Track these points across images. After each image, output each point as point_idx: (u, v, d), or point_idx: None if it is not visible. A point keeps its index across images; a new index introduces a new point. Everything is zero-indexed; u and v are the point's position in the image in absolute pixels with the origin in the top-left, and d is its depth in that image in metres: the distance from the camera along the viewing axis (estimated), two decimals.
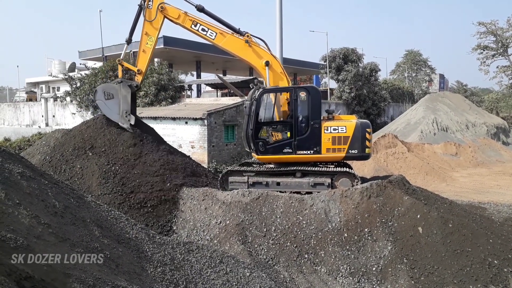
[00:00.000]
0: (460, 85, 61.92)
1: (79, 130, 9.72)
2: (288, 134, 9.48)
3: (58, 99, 30.23)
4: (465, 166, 20.51)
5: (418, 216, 7.22)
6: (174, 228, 8.17)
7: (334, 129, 9.37)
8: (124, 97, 9.73)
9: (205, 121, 17.68)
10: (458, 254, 6.59)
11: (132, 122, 9.71)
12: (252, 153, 9.96)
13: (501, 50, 44.08)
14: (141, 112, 21.41)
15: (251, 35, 10.17)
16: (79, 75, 28.99)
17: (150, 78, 23.15)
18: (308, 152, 9.43)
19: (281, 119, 10.01)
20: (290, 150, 9.42)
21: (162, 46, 27.04)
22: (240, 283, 5.47)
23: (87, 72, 28.21)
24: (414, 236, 6.98)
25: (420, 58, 65.44)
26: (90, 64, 32.11)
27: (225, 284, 5.30)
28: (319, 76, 40.60)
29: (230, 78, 30.34)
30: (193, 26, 10.00)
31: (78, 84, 27.99)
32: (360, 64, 33.27)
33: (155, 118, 19.47)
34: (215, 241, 7.44)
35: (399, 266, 6.62)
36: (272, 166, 10.24)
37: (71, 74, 30.22)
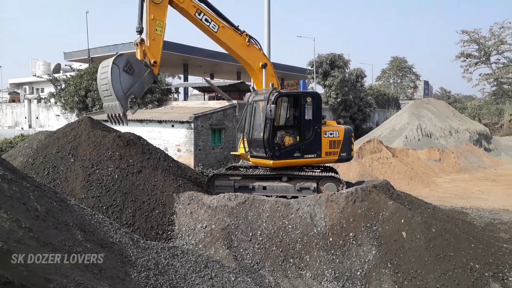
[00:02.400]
0: (444, 92, 63.09)
1: (63, 132, 9.57)
2: (298, 138, 9.69)
3: (42, 101, 29.75)
4: (448, 171, 20.85)
5: (402, 221, 7.30)
6: (161, 232, 8.09)
7: (331, 134, 9.93)
8: (142, 82, 8.47)
9: (192, 124, 17.61)
10: (441, 258, 6.69)
11: (132, 113, 8.75)
12: (253, 159, 9.93)
13: (484, 58, 45.16)
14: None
15: (249, 35, 10.14)
16: (64, 77, 28.59)
17: None
18: (312, 155, 9.75)
19: (291, 123, 10.16)
20: (299, 154, 9.64)
21: None
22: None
23: (72, 73, 27.84)
24: (398, 240, 7.06)
25: (405, 65, 66.58)
26: (76, 65, 31.70)
27: None
28: (306, 81, 40.86)
29: (217, 81, 30.36)
30: (196, 14, 9.38)
31: (63, 86, 27.62)
32: (346, 70, 33.61)
33: (141, 121, 19.31)
34: (200, 246, 7.39)
35: (383, 271, 6.68)
36: (259, 170, 10.26)
37: (56, 75, 29.79)
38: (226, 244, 7.33)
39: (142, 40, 8.52)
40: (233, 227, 7.66)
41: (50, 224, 4.29)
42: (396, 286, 6.39)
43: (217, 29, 9.62)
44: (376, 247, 7.03)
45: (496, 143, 30.88)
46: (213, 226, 7.71)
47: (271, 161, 9.38)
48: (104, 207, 8.13)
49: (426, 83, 73.60)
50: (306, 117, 9.73)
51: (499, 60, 45.10)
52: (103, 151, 9.21)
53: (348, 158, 10.36)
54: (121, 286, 4.10)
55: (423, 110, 29.47)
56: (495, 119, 42.77)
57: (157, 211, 8.28)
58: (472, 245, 7.09)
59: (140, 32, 8.58)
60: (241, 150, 10.38)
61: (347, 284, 6.63)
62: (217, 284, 5.43)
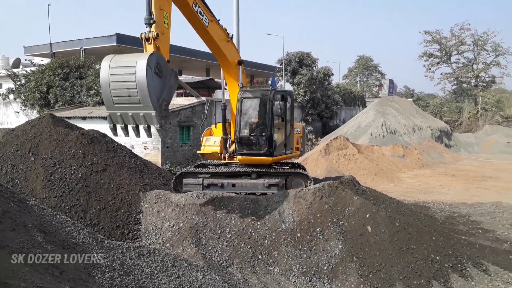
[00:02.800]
0: (408, 90, 65.16)
1: (23, 129, 9.16)
2: (284, 134, 9.95)
3: (0, 97, 28.37)
4: (411, 167, 21.57)
5: (367, 216, 7.49)
6: (126, 232, 7.91)
7: (297, 131, 10.42)
8: (170, 87, 7.20)
9: None
10: (404, 251, 6.91)
11: (169, 120, 7.42)
12: (243, 157, 9.66)
13: (445, 58, 46.90)
14: (91, 111, 20.60)
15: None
16: (24, 72, 27.39)
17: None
18: (290, 151, 10.12)
19: (280, 120, 10.25)
20: (284, 150, 9.92)
21: (115, 44, 26.18)
22: (192, 286, 5.39)
23: (33, 68, 26.72)
24: (364, 235, 7.23)
25: (371, 64, 68.21)
26: (37, 60, 30.43)
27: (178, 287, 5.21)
28: (275, 79, 41.10)
29: (186, 78, 29.98)
30: (193, 6, 8.72)
31: (23, 81, 26.46)
32: (314, 68, 34.07)
33: (106, 118, 18.78)
34: (168, 245, 7.29)
35: (349, 265, 6.82)
36: (228, 167, 10.22)
37: (15, 70, 28.49)
38: (194, 242, 7.27)
39: (158, 34, 7.14)
40: (201, 225, 7.60)
41: (7, 226, 4.10)
42: (362, 279, 6.55)
43: (208, 23, 9.18)
44: (342, 242, 7.17)
45: (456, 139, 32.23)
46: (181, 225, 7.62)
47: (271, 158, 9.44)
48: (67, 207, 7.86)
49: (391, 81, 75.83)
50: (288, 115, 10.06)
51: (459, 60, 47.00)
52: (65, 149, 8.90)
53: (303, 153, 11.27)
54: None
55: (387, 108, 30.31)
56: (455, 117, 44.61)
57: (122, 211, 8.10)
58: (433, 238, 7.36)
59: (150, 24, 7.16)
60: (210, 149, 10.23)
61: (314, 278, 6.74)
62: (185, 283, 5.38)
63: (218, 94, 25.28)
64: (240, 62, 10.27)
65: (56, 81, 23.99)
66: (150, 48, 7.10)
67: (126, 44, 26.74)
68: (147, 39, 7.04)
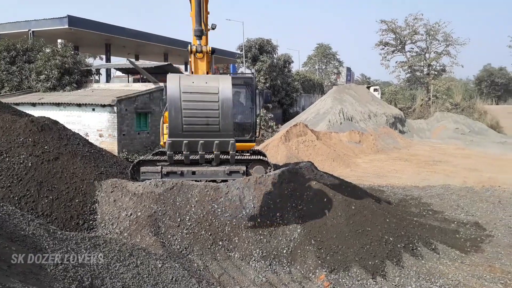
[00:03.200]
0: (364, 78, 67.03)
1: None
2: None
3: None
4: (367, 152, 22.32)
5: (325, 200, 7.68)
6: (81, 222, 7.64)
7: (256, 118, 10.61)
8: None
9: (115, 108, 16.74)
10: (360, 233, 7.17)
11: None
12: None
13: (400, 47, 48.47)
14: (42, 97, 19.57)
15: None
16: None
17: (52, 60, 21.15)
18: (256, 136, 10.45)
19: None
20: (255, 136, 10.32)
21: (67, 27, 24.87)
22: (151, 275, 5.31)
23: None
24: (321, 218, 7.42)
25: (329, 52, 69.24)
26: None
27: (135, 277, 5.10)
28: (236, 65, 40.84)
29: (143, 63, 29.09)
30: None
31: None
32: (274, 55, 34.17)
33: (58, 104, 17.93)
34: (126, 234, 7.11)
35: (307, 248, 6.99)
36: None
37: None
38: (153, 231, 7.14)
39: (214, 50, 6.35)
40: (160, 214, 7.47)
41: None
42: (319, 261, 6.74)
43: None
44: (301, 226, 7.32)
45: (409, 125, 33.65)
46: (139, 214, 7.46)
47: (253, 144, 9.92)
48: (16, 198, 7.45)
49: (349, 69, 77.54)
50: (257, 101, 10.30)
51: (413, 49, 48.69)
52: (13, 137, 8.39)
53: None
54: (34, 281, 3.80)
55: (345, 95, 31.03)
56: (409, 104, 46.47)
57: (77, 200, 7.79)
58: (387, 220, 7.69)
59: (201, 37, 6.22)
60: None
61: (274, 262, 6.85)
62: (143, 271, 5.28)
63: None
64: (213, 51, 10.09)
65: (1, 65, 22.51)
66: (202, 64, 6.40)
67: (79, 27, 25.48)
68: (199, 52, 6.28)
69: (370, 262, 6.71)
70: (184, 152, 5.87)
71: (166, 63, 28.62)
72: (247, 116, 10.12)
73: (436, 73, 47.68)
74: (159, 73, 25.67)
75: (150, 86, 19.35)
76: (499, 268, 7.08)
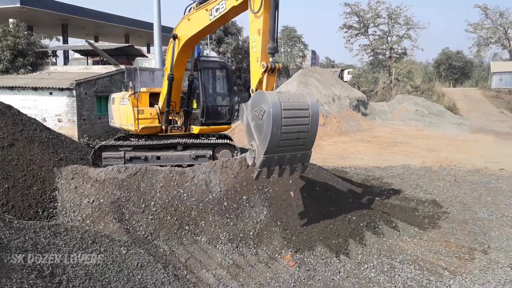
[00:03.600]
0: (329, 61, 67.75)
1: None
2: None
3: None
4: (331, 135, 22.73)
5: (290, 182, 7.78)
6: (41, 211, 7.36)
7: None
8: None
9: (74, 91, 16.05)
10: (324, 213, 7.34)
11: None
12: (205, 127, 9.90)
13: (363, 30, 49.21)
14: None
15: None
16: None
17: (3, 41, 19.90)
18: (233, 120, 10.80)
19: None
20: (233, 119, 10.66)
21: (19, 5, 23.39)
22: (115, 261, 5.22)
23: None
24: (287, 200, 7.53)
25: (295, 35, 69.28)
26: None
27: (98, 264, 5.00)
28: (200, 47, 40.11)
29: (102, 44, 27.97)
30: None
31: None
32: (240, 37, 33.78)
33: (11, 88, 16.98)
34: (88, 221, 6.93)
35: (273, 229, 7.09)
36: (152, 140, 9.89)
37: None
38: (117, 217, 7.00)
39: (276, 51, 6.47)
40: (124, 200, 7.32)
41: None
42: (285, 242, 6.86)
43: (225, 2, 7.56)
44: (267, 208, 7.40)
45: (372, 108, 34.49)
46: (102, 200, 7.27)
47: (230, 126, 10.32)
48: None
49: (313, 52, 78.07)
50: None
51: (376, 32, 49.57)
52: None
53: None
54: None
55: (310, 79, 31.27)
56: (371, 87, 47.51)
57: (35, 188, 7.48)
58: (350, 200, 7.91)
59: (273, 54, 6.35)
60: (149, 123, 9.69)
61: (241, 244, 6.91)
62: (107, 258, 5.18)
63: (138, 62, 24.03)
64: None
65: None
66: (273, 80, 6.46)
67: (32, 6, 24.04)
68: (272, 70, 6.29)
69: (334, 241, 6.90)
70: (270, 168, 6.13)
71: (127, 44, 27.68)
72: (225, 100, 10.33)
73: (397, 56, 48.89)
74: (120, 55, 24.82)
75: (111, 68, 18.66)
76: (454, 242, 7.49)
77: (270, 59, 6.28)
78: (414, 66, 48.31)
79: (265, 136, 5.73)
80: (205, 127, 9.94)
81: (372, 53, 50.40)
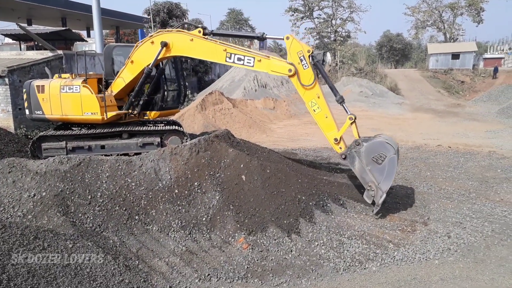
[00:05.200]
0: (277, 45, 67.99)
1: None
2: None
3: None
4: (281, 118, 23.05)
5: (242, 166, 7.81)
6: None
7: None
8: None
9: (7, 79, 14.91)
10: (275, 195, 7.47)
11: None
12: (163, 111, 10.13)
13: (308, 13, 49.82)
14: None
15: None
16: None
17: None
18: (181, 105, 11.15)
19: None
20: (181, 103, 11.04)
21: None
22: (62, 256, 5.00)
23: None
24: (239, 184, 7.56)
25: (241, 17, 68.71)
26: None
27: (43, 260, 4.76)
28: (144, 30, 38.61)
29: (36, 28, 26.12)
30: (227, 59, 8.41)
31: None
32: (185, 20, 32.88)
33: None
34: (30, 217, 6.54)
35: (226, 213, 7.12)
36: (95, 129, 9.46)
37: None
38: (62, 211, 6.67)
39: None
40: (68, 192, 6.98)
41: None
42: (238, 225, 6.92)
43: (253, 61, 8.45)
44: (219, 193, 7.40)
45: None
46: (44, 194, 6.89)
47: (178, 110, 10.75)
48: None
49: None
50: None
51: (320, 15, 50.40)
52: None
53: None
54: None
55: None
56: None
57: None
58: (300, 180, 8.10)
59: None
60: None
61: (194, 230, 6.87)
62: (52, 253, 4.95)
63: (77, 46, 22.73)
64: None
65: None
66: (356, 127, 8.44)
67: None
68: (354, 121, 8.38)
69: (285, 221, 7.07)
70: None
71: (64, 28, 26.07)
72: (179, 84, 10.57)
73: (342, 39, 50.13)
74: (57, 40, 23.35)
75: (47, 54, 17.48)
76: (397, 216, 7.95)
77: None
78: (358, 48, 49.91)
79: (389, 177, 7.50)
80: (164, 111, 10.24)
81: (317, 36, 51.28)
